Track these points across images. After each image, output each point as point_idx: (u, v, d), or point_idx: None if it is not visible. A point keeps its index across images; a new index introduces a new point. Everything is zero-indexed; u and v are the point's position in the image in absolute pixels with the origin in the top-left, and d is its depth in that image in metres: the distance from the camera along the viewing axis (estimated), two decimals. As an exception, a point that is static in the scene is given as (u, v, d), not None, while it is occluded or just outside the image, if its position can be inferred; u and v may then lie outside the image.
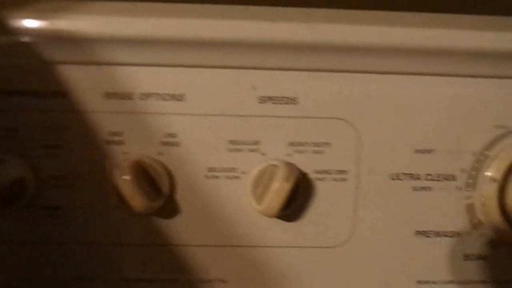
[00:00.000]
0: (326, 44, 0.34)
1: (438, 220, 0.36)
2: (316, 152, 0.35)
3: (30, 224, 0.35)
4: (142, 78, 0.34)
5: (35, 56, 0.32)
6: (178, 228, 0.35)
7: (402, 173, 0.36)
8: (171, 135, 0.34)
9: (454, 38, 0.34)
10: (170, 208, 0.35)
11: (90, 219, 0.35)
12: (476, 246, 0.37)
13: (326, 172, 0.35)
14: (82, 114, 0.34)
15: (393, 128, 0.35)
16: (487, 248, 0.37)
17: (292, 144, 0.35)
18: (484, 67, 0.35)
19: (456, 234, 0.37)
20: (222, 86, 0.34)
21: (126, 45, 0.32)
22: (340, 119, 0.35)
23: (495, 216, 0.35)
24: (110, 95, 0.34)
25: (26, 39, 0.32)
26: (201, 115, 0.34)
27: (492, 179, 0.35)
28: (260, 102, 0.35)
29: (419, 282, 0.37)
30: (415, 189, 0.36)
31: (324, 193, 0.35)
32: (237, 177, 0.35)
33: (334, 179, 0.35)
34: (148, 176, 0.33)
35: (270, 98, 0.35)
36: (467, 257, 0.37)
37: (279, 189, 0.32)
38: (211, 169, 0.35)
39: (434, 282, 0.37)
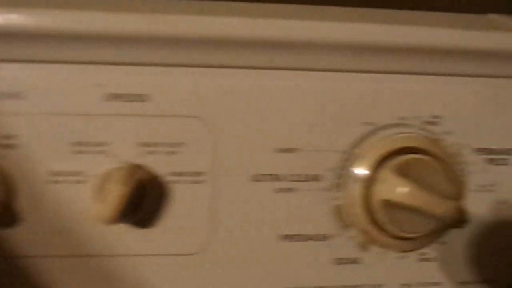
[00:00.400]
0: (179, 37, 0.31)
1: (304, 223, 0.34)
2: (170, 153, 0.33)
3: None
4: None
5: None
6: (19, 238, 0.32)
7: (263, 174, 0.34)
8: (9, 137, 0.31)
9: (316, 30, 0.32)
10: (8, 217, 0.32)
11: None
12: (347, 250, 0.35)
13: (181, 174, 0.33)
14: None
15: (252, 126, 0.33)
16: (358, 251, 0.35)
17: (143, 144, 0.32)
18: (350, 61, 0.33)
19: (325, 238, 0.35)
20: (64, 83, 0.32)
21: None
22: (194, 117, 0.33)
23: (362, 218, 0.34)
24: None
25: None
26: (42, 114, 0.32)
27: (358, 179, 0.34)
28: (106, 100, 0.32)
29: (287, 289, 0.35)
30: (277, 190, 0.34)
31: (180, 197, 0.33)
32: (82, 181, 0.32)
33: (190, 182, 0.33)
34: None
35: (117, 96, 0.32)
36: (338, 261, 0.35)
37: (115, 193, 0.30)
38: (53, 173, 0.32)
39: (303, 289, 0.35)
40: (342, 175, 0.34)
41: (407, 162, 0.33)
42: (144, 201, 0.32)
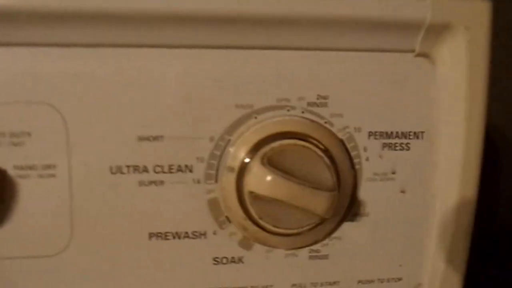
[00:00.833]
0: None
1: (176, 219, 0.31)
2: (15, 144, 0.29)
3: None
4: None
5: None
6: None
7: (125, 166, 0.30)
8: None
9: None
10: None
11: None
12: (228, 248, 0.32)
13: (30, 167, 0.29)
14: None
15: (109, 112, 0.29)
16: (241, 250, 0.32)
17: (-17, 135, 0.29)
18: (217, 36, 0.30)
19: (202, 235, 0.31)
20: None
21: None
22: (43, 103, 0.29)
23: (238, 212, 0.30)
24: None
25: None
26: None
27: (230, 169, 0.30)
28: None
29: (161, 293, 0.32)
30: (142, 183, 0.30)
31: (30, 193, 0.29)
32: None
33: (41, 176, 0.29)
34: None
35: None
36: (217, 261, 0.32)
37: None
38: None
39: (179, 292, 0.32)
40: (214, 165, 0.30)
41: (281, 150, 0.29)
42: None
